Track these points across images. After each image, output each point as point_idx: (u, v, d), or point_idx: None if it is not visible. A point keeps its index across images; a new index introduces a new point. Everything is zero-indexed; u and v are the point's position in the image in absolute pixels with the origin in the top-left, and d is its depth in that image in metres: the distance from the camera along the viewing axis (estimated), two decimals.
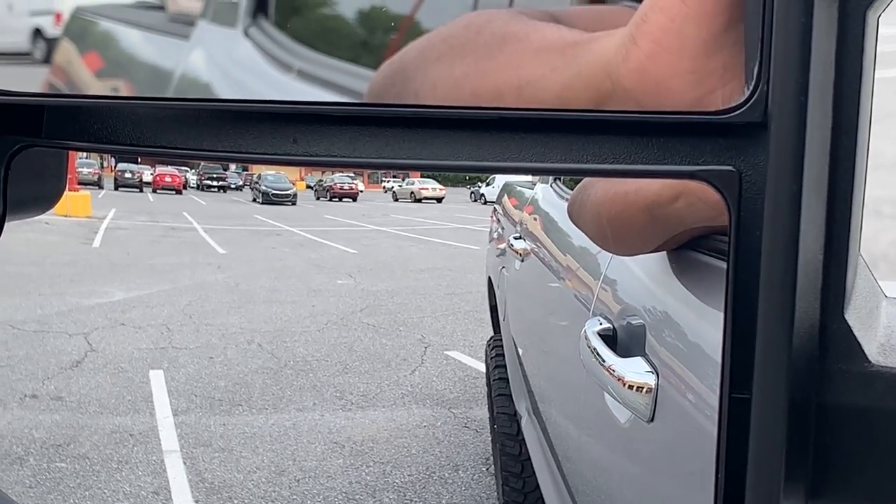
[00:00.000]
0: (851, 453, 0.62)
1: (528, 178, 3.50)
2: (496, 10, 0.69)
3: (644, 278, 1.45)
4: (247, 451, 4.24)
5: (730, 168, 0.54)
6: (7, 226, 0.70)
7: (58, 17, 0.80)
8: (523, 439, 2.75)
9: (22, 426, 4.49)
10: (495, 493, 3.49)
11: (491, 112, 0.60)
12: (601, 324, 1.55)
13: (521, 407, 2.79)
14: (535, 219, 2.85)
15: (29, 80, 0.75)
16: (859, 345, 0.60)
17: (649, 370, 1.28)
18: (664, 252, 1.21)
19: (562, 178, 2.59)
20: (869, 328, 0.63)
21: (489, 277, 4.00)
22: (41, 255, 10.61)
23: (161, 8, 0.76)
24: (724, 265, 0.56)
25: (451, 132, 0.59)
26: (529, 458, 2.63)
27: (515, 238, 3.00)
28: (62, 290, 8.45)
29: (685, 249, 1.12)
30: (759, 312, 0.54)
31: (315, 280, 10.09)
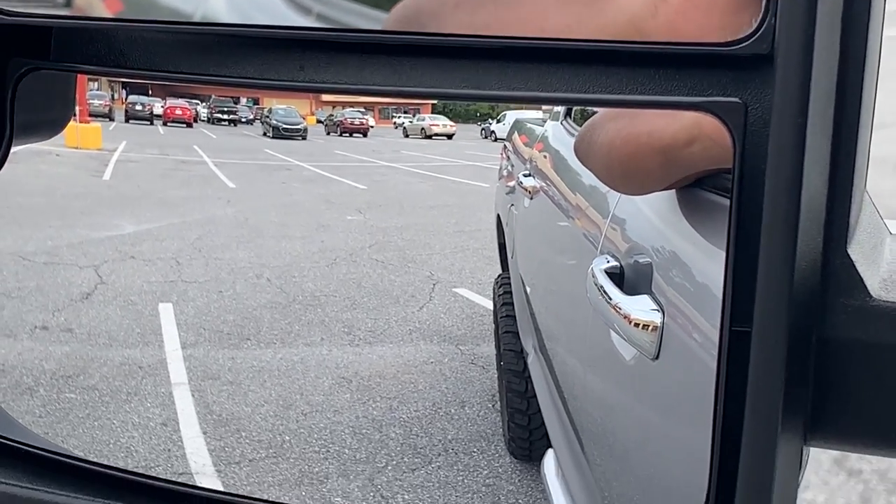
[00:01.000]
0: (851, 388, 0.62)
1: (539, 115, 3.48)
2: None
3: (652, 217, 1.45)
4: (255, 385, 4.26)
5: (736, 100, 0.54)
6: (17, 156, 0.70)
7: None
8: (529, 376, 2.76)
9: (32, 357, 4.51)
10: (501, 430, 3.51)
11: (497, 42, 0.60)
12: (608, 262, 1.55)
13: (528, 344, 2.80)
14: (544, 156, 2.84)
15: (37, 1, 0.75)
16: (861, 279, 0.60)
17: (655, 308, 1.28)
18: (673, 191, 1.20)
19: (572, 115, 2.58)
20: (872, 263, 0.63)
21: (498, 215, 3.99)
22: (51, 187, 10.60)
23: None
24: None
25: (456, 61, 0.58)
26: (535, 395, 2.64)
27: (525, 176, 2.99)
28: (72, 223, 8.45)
29: (694, 188, 1.12)
30: (762, 245, 0.54)
31: (324, 215, 10.08)
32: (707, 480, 0.62)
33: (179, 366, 4.52)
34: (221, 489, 3.33)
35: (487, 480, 3.28)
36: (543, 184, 2.67)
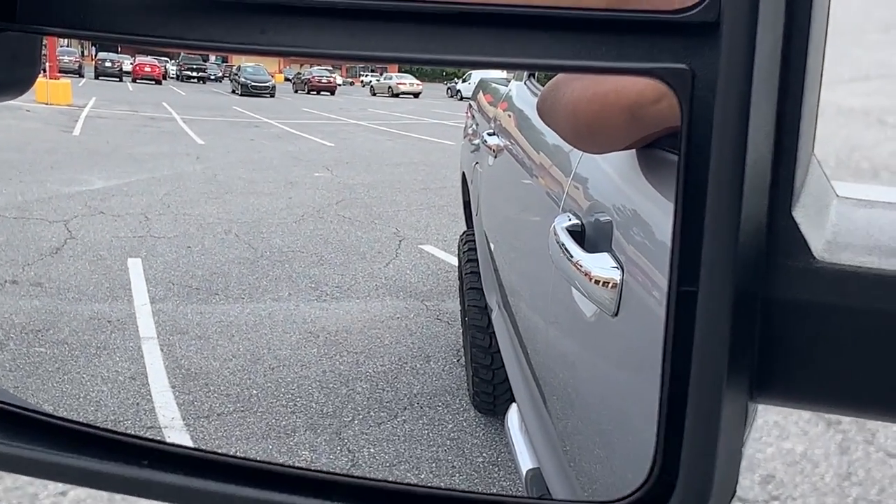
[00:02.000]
0: (795, 348, 0.64)
1: (503, 73, 3.48)
2: None
3: (613, 176, 1.46)
4: (223, 339, 4.26)
5: (683, 66, 0.56)
6: None
7: None
8: (493, 332, 2.77)
9: (2, 311, 4.49)
10: (465, 384, 3.53)
11: (453, 7, 0.61)
12: (570, 220, 1.56)
13: (492, 300, 2.81)
14: (509, 115, 2.84)
15: None
16: (805, 241, 0.62)
17: (615, 266, 1.29)
18: (633, 151, 1.22)
19: (536, 75, 2.58)
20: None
21: (463, 173, 3.99)
22: (22, 142, 10.46)
23: None
24: None
25: (410, 25, 0.59)
26: (499, 351, 2.66)
27: (489, 134, 2.99)
28: (42, 178, 8.37)
29: (654, 148, 1.13)
30: (707, 208, 0.55)
31: (292, 172, 10.00)
32: (655, 435, 0.64)
33: (148, 320, 4.50)
34: (190, 444, 3.34)
35: (452, 434, 3.30)
36: (507, 142, 2.67)
